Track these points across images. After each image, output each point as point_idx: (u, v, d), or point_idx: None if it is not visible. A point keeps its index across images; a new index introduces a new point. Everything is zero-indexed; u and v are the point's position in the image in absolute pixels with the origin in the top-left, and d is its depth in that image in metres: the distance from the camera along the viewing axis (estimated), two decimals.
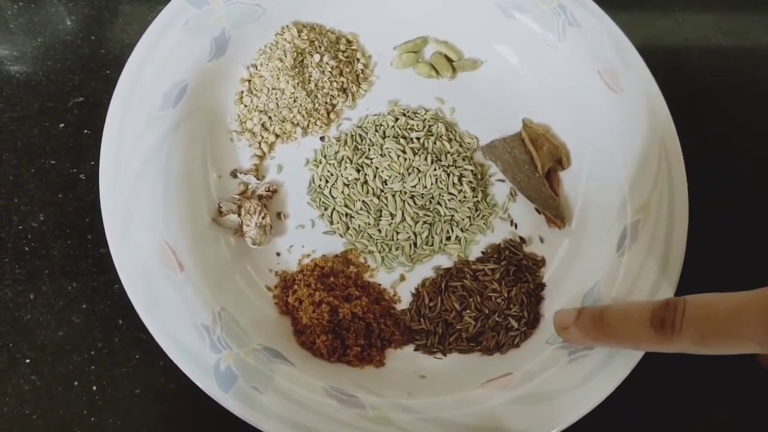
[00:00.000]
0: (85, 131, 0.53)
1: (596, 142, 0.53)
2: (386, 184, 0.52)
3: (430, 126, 0.55)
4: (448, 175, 0.53)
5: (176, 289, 0.44)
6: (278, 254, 0.50)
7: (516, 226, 0.53)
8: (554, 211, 0.53)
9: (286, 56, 0.53)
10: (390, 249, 0.51)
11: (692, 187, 0.50)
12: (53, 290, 0.48)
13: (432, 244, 0.52)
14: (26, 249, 0.49)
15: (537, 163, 0.53)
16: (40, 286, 0.48)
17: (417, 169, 0.52)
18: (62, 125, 0.53)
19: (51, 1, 0.57)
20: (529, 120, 0.55)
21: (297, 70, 0.53)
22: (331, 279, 0.49)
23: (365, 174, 0.52)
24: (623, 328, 0.39)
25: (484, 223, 0.53)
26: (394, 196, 0.52)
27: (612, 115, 0.53)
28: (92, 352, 0.47)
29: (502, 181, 0.55)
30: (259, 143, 0.53)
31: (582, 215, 0.53)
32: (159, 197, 0.46)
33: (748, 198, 0.57)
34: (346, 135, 0.54)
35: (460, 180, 0.53)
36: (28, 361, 0.46)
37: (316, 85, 0.54)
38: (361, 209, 0.52)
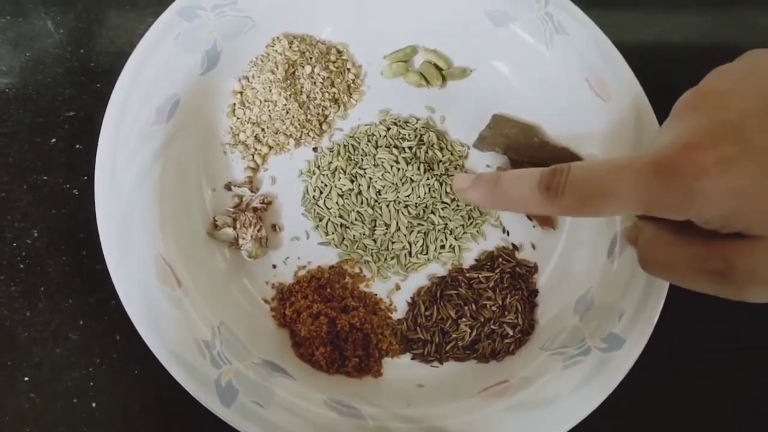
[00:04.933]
0: (77, 146, 0.53)
1: (586, 150, 0.54)
2: (380, 194, 0.53)
3: (421, 135, 0.55)
4: (441, 184, 0.53)
5: (175, 305, 0.44)
6: (274, 266, 0.51)
7: (508, 233, 0.54)
8: (573, 160, 0.53)
9: (277, 68, 0.53)
10: (385, 259, 0.52)
11: None
12: (49, 307, 0.48)
13: (426, 253, 0.52)
14: (21, 266, 0.49)
15: None
16: (36, 304, 0.48)
17: (410, 179, 0.53)
18: (54, 140, 0.53)
19: (38, 14, 0.57)
20: (502, 168, 0.55)
21: (289, 81, 0.53)
22: (328, 290, 0.49)
23: (359, 184, 0.53)
24: (514, 191, 0.40)
25: (477, 231, 0.54)
26: (388, 206, 0.52)
27: (601, 123, 0.54)
28: (90, 369, 0.47)
29: None
30: (253, 155, 0.53)
31: (574, 222, 0.53)
32: (155, 213, 0.46)
33: None
34: (339, 145, 0.54)
35: (452, 189, 0.53)
36: (26, 379, 0.46)
37: (308, 97, 0.54)
38: (355, 220, 0.52)
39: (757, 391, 0.52)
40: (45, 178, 0.52)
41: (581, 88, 0.55)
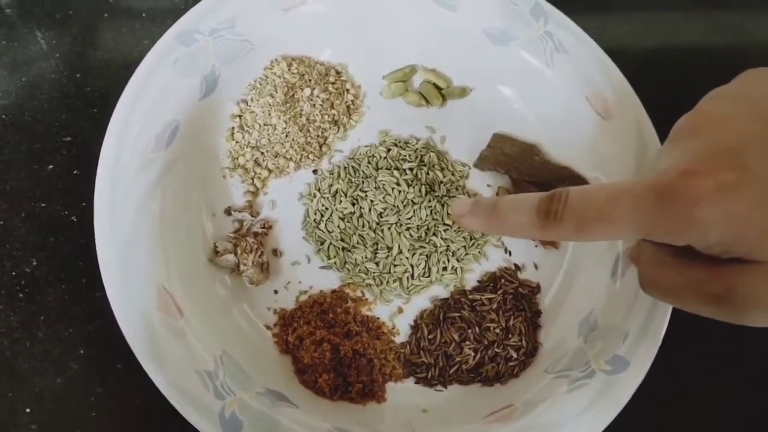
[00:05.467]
0: (75, 172, 0.52)
1: (587, 169, 0.54)
2: (382, 217, 0.52)
3: (422, 156, 0.55)
4: (443, 205, 0.53)
5: (177, 335, 0.44)
6: (276, 292, 0.50)
7: (510, 254, 0.54)
8: (576, 180, 0.54)
9: (276, 91, 0.53)
10: (387, 282, 0.51)
11: None
12: (49, 337, 0.48)
13: (429, 275, 0.52)
14: (20, 296, 0.49)
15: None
16: (36, 333, 0.48)
17: (411, 201, 0.53)
18: (51, 167, 0.52)
19: (34, 39, 0.56)
20: (503, 188, 0.56)
21: (288, 104, 0.53)
22: (330, 315, 0.49)
23: (360, 207, 0.52)
24: (512, 217, 0.40)
25: (479, 252, 0.53)
26: (390, 228, 0.52)
27: (602, 141, 0.54)
28: (92, 399, 0.47)
29: None
30: (252, 179, 0.53)
31: (576, 242, 0.53)
32: (156, 242, 0.46)
33: None
34: (339, 167, 0.54)
35: (450, 215, 0.53)
36: (28, 410, 0.46)
37: (307, 119, 0.54)
38: (357, 243, 0.52)
39: (760, 411, 0.52)
40: (43, 205, 0.51)
41: (582, 107, 0.55)
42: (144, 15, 0.59)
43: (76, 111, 0.54)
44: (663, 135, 0.53)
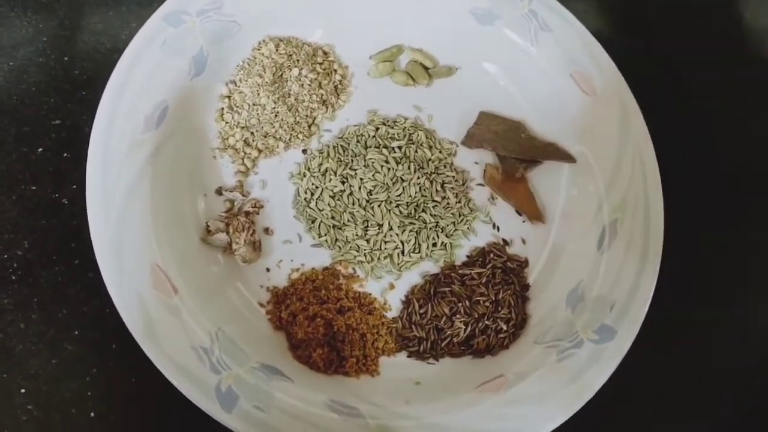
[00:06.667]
0: (65, 154, 0.52)
1: (573, 145, 0.55)
2: (371, 195, 0.53)
3: (410, 134, 0.55)
4: (432, 182, 0.54)
5: (172, 313, 0.44)
6: (268, 270, 0.51)
7: (498, 229, 0.55)
8: (562, 155, 0.55)
9: (265, 72, 0.53)
10: (378, 258, 0.52)
11: (666, 182, 0.52)
12: (43, 318, 0.48)
13: (419, 252, 0.53)
14: (13, 278, 0.49)
15: (512, 204, 0.55)
16: (30, 315, 0.48)
17: (401, 178, 0.53)
18: (41, 149, 0.52)
19: (20, 23, 0.56)
20: (491, 165, 0.57)
21: (277, 85, 0.54)
22: (323, 292, 0.50)
23: (350, 185, 0.53)
24: None
25: (468, 228, 0.54)
26: (380, 206, 0.53)
27: (587, 117, 0.55)
28: (87, 379, 0.47)
29: (482, 185, 0.56)
30: (242, 159, 0.53)
31: (563, 216, 0.54)
32: (148, 222, 0.46)
33: (724, 189, 0.59)
34: (329, 147, 0.55)
35: (443, 187, 0.54)
36: (23, 391, 0.46)
37: (296, 99, 0.54)
38: (348, 221, 0.52)
39: (749, 372, 0.54)
40: (33, 188, 0.51)
41: (566, 84, 0.56)
42: None
43: (64, 94, 0.55)
44: (645, 109, 0.54)
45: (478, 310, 0.51)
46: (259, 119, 0.53)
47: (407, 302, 0.51)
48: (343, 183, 0.53)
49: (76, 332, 0.48)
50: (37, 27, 0.56)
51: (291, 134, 0.54)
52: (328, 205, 0.52)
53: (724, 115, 0.62)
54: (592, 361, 0.47)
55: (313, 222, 0.52)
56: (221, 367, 0.43)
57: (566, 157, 0.55)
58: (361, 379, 0.48)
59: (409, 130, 0.56)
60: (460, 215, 0.54)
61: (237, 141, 0.53)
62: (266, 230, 0.52)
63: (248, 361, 0.45)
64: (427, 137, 0.56)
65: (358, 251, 0.52)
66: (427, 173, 0.54)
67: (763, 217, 0.58)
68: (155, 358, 0.42)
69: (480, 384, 0.47)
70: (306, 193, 0.53)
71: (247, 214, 0.51)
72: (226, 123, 0.53)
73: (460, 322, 0.50)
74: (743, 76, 0.63)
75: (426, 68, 0.58)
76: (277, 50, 0.54)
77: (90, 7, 0.58)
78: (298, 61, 0.55)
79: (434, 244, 0.53)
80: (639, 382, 0.51)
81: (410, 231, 0.53)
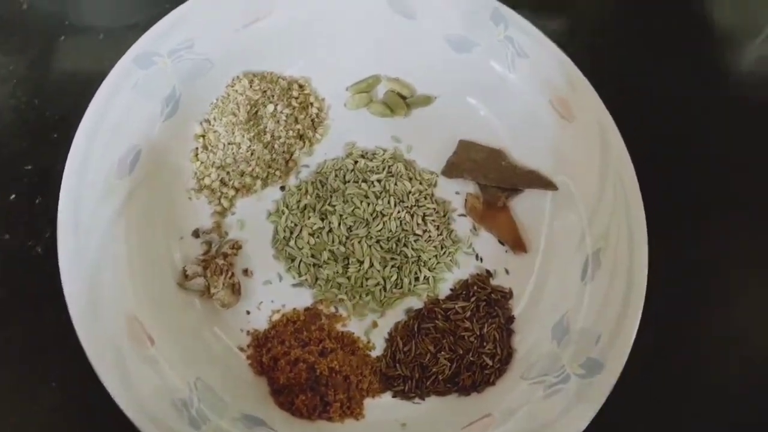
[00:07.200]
0: (37, 200, 0.51)
1: (554, 172, 0.54)
2: (351, 231, 0.52)
3: (389, 166, 0.55)
4: (412, 216, 0.53)
5: (149, 364, 0.43)
6: (248, 312, 0.50)
7: (481, 260, 0.54)
8: (543, 183, 0.54)
9: (239, 109, 0.52)
10: (360, 296, 0.51)
11: (649, 207, 0.52)
12: (21, 368, 0.47)
13: (401, 287, 0.52)
14: None
15: (495, 234, 0.55)
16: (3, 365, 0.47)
17: (381, 213, 0.53)
18: (13, 196, 0.51)
19: None
20: (471, 195, 0.56)
21: (252, 122, 0.53)
22: (305, 333, 0.49)
23: (329, 222, 0.52)
24: None
25: (451, 260, 0.53)
26: (360, 242, 0.52)
27: (567, 144, 0.54)
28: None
29: (464, 215, 0.55)
30: (219, 199, 0.52)
31: (547, 246, 0.54)
32: (123, 271, 0.46)
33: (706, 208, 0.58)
34: (307, 183, 0.54)
35: (424, 220, 0.53)
36: None
37: (272, 136, 0.53)
38: (328, 258, 0.51)
39: (736, 402, 0.53)
40: (7, 237, 0.50)
41: (545, 110, 0.55)
42: (102, 36, 0.58)
43: (36, 137, 0.54)
44: (625, 134, 0.53)
45: (463, 345, 0.50)
46: (234, 158, 0.52)
47: (391, 340, 0.51)
48: (322, 219, 0.52)
49: (54, 384, 0.47)
50: (7, 68, 0.55)
51: (268, 171, 0.53)
52: (308, 243, 0.52)
53: (706, 138, 0.61)
54: (579, 396, 0.46)
55: (292, 261, 0.52)
56: (201, 421, 0.42)
57: (548, 184, 0.55)
58: (345, 424, 0.47)
59: (388, 162, 0.55)
60: (442, 248, 0.53)
61: (213, 181, 0.52)
62: (245, 272, 0.51)
63: (229, 412, 0.44)
64: (406, 169, 0.55)
65: (339, 289, 0.51)
66: (407, 206, 0.53)
67: (746, 238, 0.57)
68: (131, 414, 0.41)
69: (467, 425, 0.46)
70: (285, 231, 0.52)
71: (225, 255, 0.50)
72: (201, 163, 0.52)
73: (445, 359, 0.49)
74: (724, 95, 0.62)
75: (404, 98, 0.57)
76: (251, 86, 0.54)
77: (60, 47, 0.57)
78: (273, 96, 0.54)
79: (417, 279, 0.52)
80: (627, 411, 0.50)
81: (392, 266, 0.52)
